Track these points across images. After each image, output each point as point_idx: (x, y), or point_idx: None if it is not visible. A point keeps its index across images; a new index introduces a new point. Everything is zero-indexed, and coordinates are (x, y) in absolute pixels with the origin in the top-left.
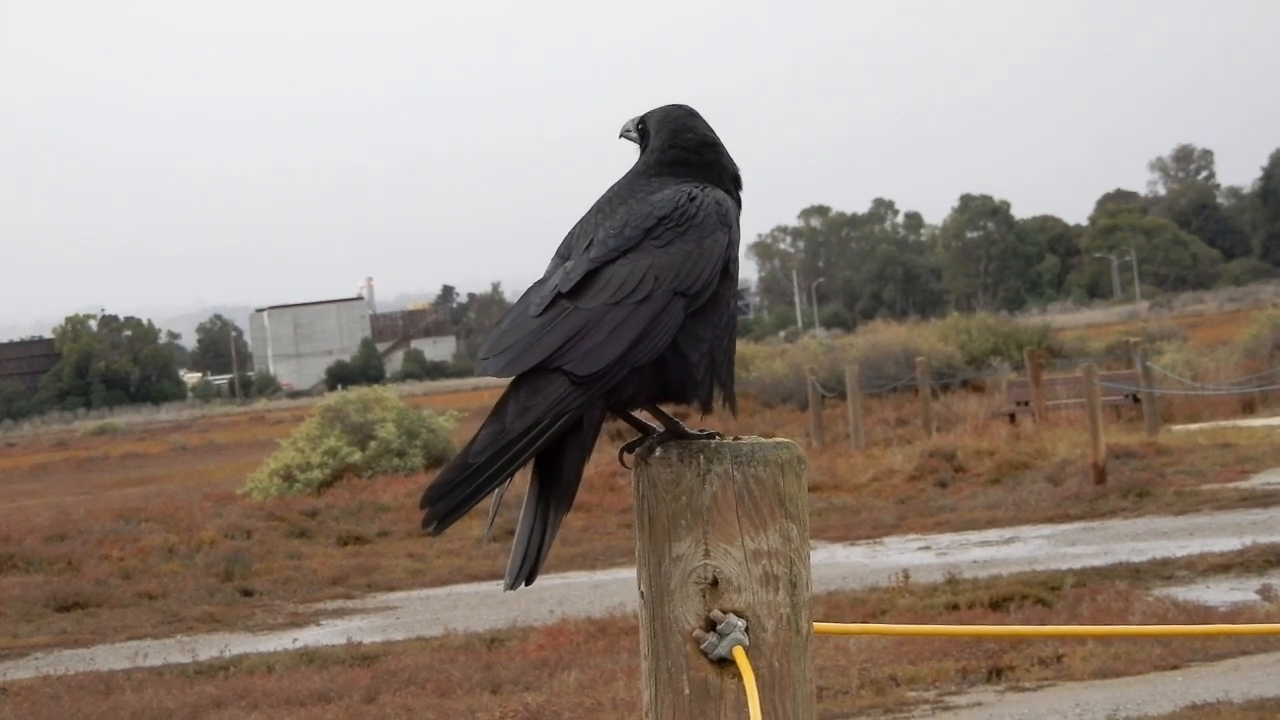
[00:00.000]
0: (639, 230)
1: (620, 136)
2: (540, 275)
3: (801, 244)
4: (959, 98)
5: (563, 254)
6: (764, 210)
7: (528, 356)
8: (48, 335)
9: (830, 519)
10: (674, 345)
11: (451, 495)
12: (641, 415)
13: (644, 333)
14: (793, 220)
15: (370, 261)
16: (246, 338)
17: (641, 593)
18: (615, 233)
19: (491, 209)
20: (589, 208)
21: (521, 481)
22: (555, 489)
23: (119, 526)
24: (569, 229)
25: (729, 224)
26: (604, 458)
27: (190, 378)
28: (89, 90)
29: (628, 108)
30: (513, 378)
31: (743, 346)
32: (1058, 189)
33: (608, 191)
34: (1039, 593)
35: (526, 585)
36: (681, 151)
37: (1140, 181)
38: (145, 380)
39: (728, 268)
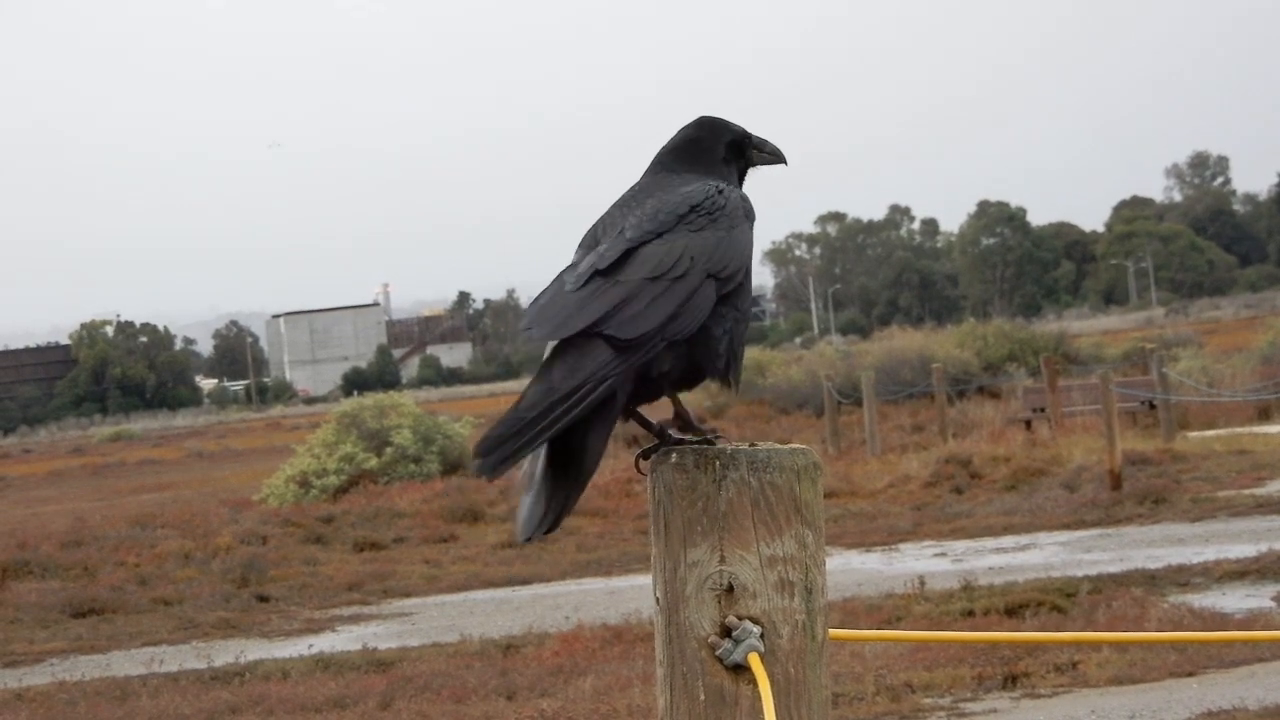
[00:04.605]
0: (673, 215)
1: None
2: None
3: (818, 250)
4: (975, 103)
5: (588, 245)
6: (780, 217)
7: (573, 322)
8: (64, 341)
9: (846, 525)
10: (703, 325)
11: (504, 446)
12: (648, 411)
13: (681, 307)
14: (809, 226)
15: (386, 268)
16: (263, 344)
17: (657, 599)
18: (649, 217)
19: (507, 216)
20: (610, 205)
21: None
22: (577, 461)
23: (135, 533)
24: (589, 227)
25: (752, 219)
26: (620, 464)
27: (206, 384)
28: (102, 94)
29: (644, 118)
30: (555, 343)
31: (758, 353)
32: (1073, 195)
33: (630, 189)
34: (1054, 599)
35: (545, 535)
36: (671, 152)
37: (1156, 188)
38: (161, 386)
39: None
